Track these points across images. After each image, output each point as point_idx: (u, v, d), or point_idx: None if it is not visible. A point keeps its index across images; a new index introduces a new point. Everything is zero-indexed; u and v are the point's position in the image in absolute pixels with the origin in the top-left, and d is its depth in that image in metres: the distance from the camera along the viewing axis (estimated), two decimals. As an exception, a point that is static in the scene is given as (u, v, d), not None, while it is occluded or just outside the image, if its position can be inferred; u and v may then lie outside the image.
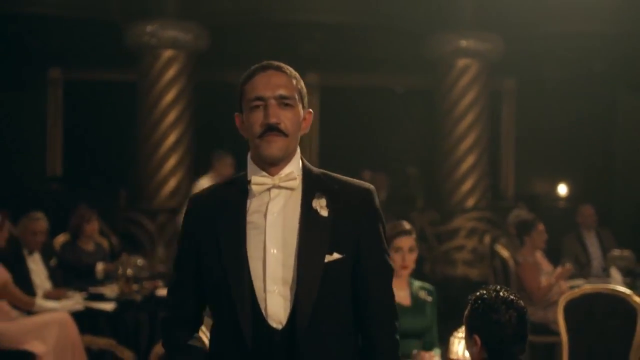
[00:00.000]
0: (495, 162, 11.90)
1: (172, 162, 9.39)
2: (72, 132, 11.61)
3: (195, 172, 9.27)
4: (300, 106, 2.55)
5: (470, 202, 9.69)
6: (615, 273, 7.15)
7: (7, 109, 11.39)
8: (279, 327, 2.46)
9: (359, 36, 10.46)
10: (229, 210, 2.54)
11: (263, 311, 2.46)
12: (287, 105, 2.50)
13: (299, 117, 2.55)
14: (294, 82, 2.55)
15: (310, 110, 2.61)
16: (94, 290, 6.50)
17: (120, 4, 9.65)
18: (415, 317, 4.25)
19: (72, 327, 5.91)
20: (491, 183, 10.96)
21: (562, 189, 11.97)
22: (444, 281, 9.10)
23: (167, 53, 9.28)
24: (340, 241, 2.49)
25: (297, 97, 2.54)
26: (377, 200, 2.57)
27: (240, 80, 2.52)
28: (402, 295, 4.22)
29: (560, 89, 11.79)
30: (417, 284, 4.39)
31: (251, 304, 2.46)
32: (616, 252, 7.51)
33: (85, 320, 6.03)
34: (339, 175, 2.59)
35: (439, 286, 5.18)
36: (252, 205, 2.52)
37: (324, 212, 2.49)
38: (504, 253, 7.28)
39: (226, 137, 9.08)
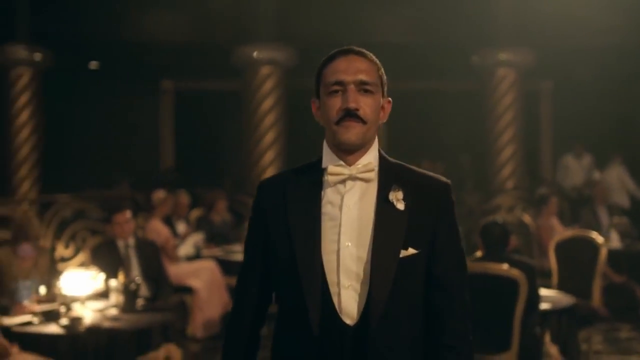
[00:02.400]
0: (535, 152, 14.36)
1: (269, 156, 12.01)
2: (182, 133, 14.32)
3: (287, 166, 11.88)
4: (380, 94, 2.47)
5: (509, 184, 12.17)
6: (614, 234, 9.60)
7: (128, 113, 14.08)
8: (351, 322, 2.39)
9: (420, 50, 12.92)
10: (302, 198, 2.46)
11: (336, 306, 2.40)
12: (367, 91, 2.42)
13: (379, 105, 2.46)
14: (375, 68, 2.47)
15: (390, 99, 2.53)
16: (228, 248, 9.24)
17: (227, 29, 12.27)
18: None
19: (217, 271, 8.60)
20: (532, 169, 13.40)
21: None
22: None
23: (265, 69, 11.93)
24: (415, 236, 2.41)
25: (378, 83, 2.45)
26: (453, 196, 2.50)
27: (319, 65, 2.47)
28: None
29: (592, 88, 14.11)
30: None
31: (323, 298, 2.39)
32: (616, 219, 9.97)
33: (225, 266, 8.70)
34: (415, 168, 2.52)
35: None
36: (327, 195, 2.45)
37: (401, 206, 2.41)
38: (527, 220, 9.83)
39: (315, 138, 11.68)
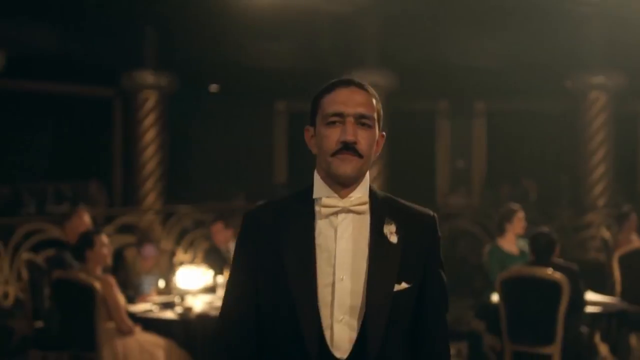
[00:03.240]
0: (633, 172, 14.91)
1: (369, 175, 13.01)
2: (294, 150, 15.46)
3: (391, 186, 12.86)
4: (377, 128, 2.44)
5: (601, 202, 12.81)
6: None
7: (244, 132, 15.29)
8: (342, 357, 2.36)
9: (516, 73, 13.67)
10: (294, 230, 2.41)
11: (328, 340, 2.36)
12: (364, 125, 2.39)
13: (375, 139, 2.44)
14: (374, 102, 2.45)
15: (384, 133, 2.50)
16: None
17: (333, 55, 13.32)
18: (521, 260, 7.58)
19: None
20: (630, 187, 13.98)
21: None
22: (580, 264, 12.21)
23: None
24: (408, 269, 2.41)
25: (375, 118, 2.43)
26: (438, 227, 2.51)
27: (317, 92, 2.46)
28: (513, 247, 7.62)
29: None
30: (521, 241, 7.72)
31: (317, 332, 2.35)
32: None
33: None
34: (401, 200, 2.51)
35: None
36: (319, 227, 2.41)
37: (394, 239, 2.40)
38: (607, 235, 10.52)
39: (417, 153, 12.50)
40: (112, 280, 6.06)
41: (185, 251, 10.63)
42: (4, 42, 10.72)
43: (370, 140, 2.40)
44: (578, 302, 6.21)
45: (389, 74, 13.00)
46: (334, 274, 2.36)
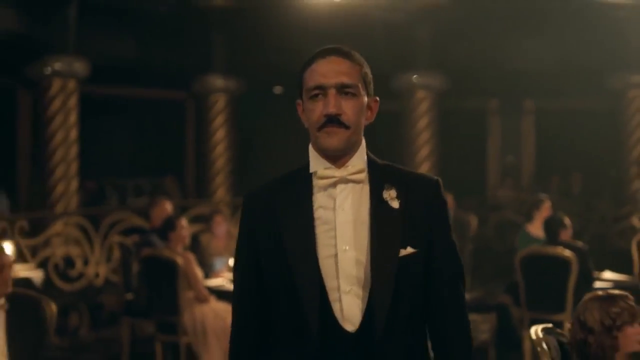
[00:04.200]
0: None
1: (425, 167, 14.12)
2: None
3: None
4: (364, 95, 2.40)
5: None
6: None
7: (305, 132, 16.43)
8: (352, 329, 2.33)
9: (561, 73, 14.60)
10: (292, 205, 2.40)
11: (337, 313, 2.33)
12: (348, 94, 2.35)
13: (363, 106, 2.39)
14: (358, 68, 2.40)
15: (377, 98, 2.46)
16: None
17: (386, 59, 14.39)
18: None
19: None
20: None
21: None
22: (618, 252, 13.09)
23: (420, 94, 14.04)
24: (412, 234, 2.37)
25: (360, 85, 2.38)
26: (443, 192, 2.47)
27: (301, 67, 2.44)
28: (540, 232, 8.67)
29: None
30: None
31: (322, 305, 2.32)
32: None
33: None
34: (403, 167, 2.50)
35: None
36: (318, 199, 2.40)
37: (395, 204, 2.37)
38: (637, 223, 11.50)
39: (469, 149, 13.57)
40: (191, 256, 7.34)
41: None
42: (89, 51, 12.02)
43: (357, 108, 2.38)
44: (587, 277, 7.29)
45: (441, 76, 14.05)
46: (335, 245, 2.34)
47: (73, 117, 11.83)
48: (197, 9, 13.29)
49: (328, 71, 2.38)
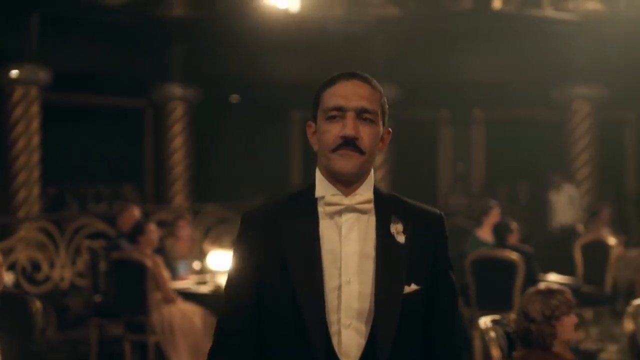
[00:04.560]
0: (622, 173, 16.55)
1: (378, 176, 14.62)
2: (308, 155, 17.10)
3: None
4: (381, 123, 2.37)
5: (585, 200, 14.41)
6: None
7: (262, 139, 16.92)
8: None
9: (509, 85, 15.17)
10: (298, 231, 2.32)
11: (335, 347, 2.27)
12: (367, 120, 2.32)
13: (378, 135, 2.36)
14: (378, 96, 2.38)
15: (390, 129, 2.43)
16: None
17: (346, 69, 14.88)
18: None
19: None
20: (617, 186, 15.66)
21: None
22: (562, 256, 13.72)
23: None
24: (416, 271, 2.33)
25: (379, 112, 2.36)
26: (446, 227, 2.45)
27: (319, 87, 2.41)
28: (489, 237, 9.22)
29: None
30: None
31: (324, 339, 2.26)
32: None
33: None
34: (407, 199, 2.45)
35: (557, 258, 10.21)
36: (323, 227, 2.33)
37: (401, 239, 2.33)
38: (580, 229, 12.11)
39: (421, 158, 14.10)
40: (159, 259, 7.73)
41: (212, 243, 12.27)
42: (51, 59, 12.32)
43: (373, 136, 2.34)
44: (533, 278, 7.82)
45: (395, 87, 14.56)
46: (340, 276, 2.28)
47: (35, 124, 12.14)
48: (157, 18, 13.64)
49: (350, 94, 2.34)
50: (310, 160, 16.92)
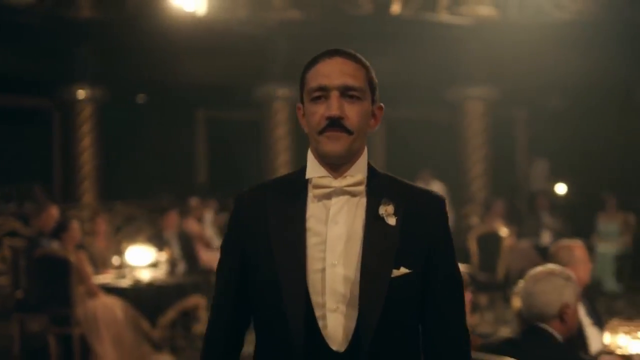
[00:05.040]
0: (512, 168, 17.55)
1: (283, 171, 15.23)
2: (213, 154, 17.56)
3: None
4: (369, 100, 2.29)
5: (480, 195, 15.27)
6: (545, 233, 12.70)
7: (169, 138, 17.26)
8: (339, 349, 2.24)
9: (402, 87, 15.94)
10: (284, 212, 2.29)
11: (322, 331, 2.24)
12: (353, 97, 2.24)
13: (367, 112, 2.28)
14: (364, 71, 2.30)
15: (382, 105, 2.34)
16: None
17: (243, 70, 15.30)
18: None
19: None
20: (508, 180, 16.66)
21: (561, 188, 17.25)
22: (459, 246, 14.56)
23: (278, 104, 15.14)
24: (408, 254, 2.25)
25: (366, 89, 2.28)
26: (447, 210, 2.36)
27: (303, 68, 2.36)
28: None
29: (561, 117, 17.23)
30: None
31: (307, 322, 2.23)
32: (547, 220, 13.08)
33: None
34: (406, 181, 2.36)
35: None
36: (311, 209, 2.29)
37: (392, 221, 2.24)
38: (474, 221, 12.95)
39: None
40: (82, 254, 8.16)
41: (123, 240, 12.65)
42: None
43: (361, 113, 2.27)
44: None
45: (295, 87, 15.12)
46: (324, 259, 2.24)
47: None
48: (65, 19, 13.89)
49: (332, 72, 2.28)
50: (214, 157, 17.39)
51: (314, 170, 2.33)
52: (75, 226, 8.25)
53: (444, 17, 14.74)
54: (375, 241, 2.25)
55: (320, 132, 2.28)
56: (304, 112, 2.37)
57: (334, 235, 2.27)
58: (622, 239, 13.23)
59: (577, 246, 5.16)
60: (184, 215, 11.84)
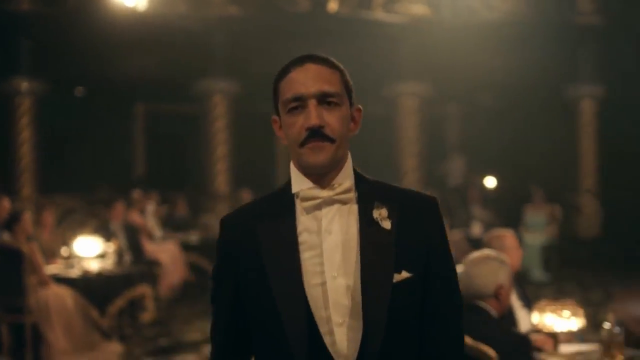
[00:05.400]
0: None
1: (221, 166, 15.57)
2: (152, 147, 17.81)
3: (236, 175, 15.56)
4: (347, 104, 2.22)
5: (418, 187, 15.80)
6: (475, 224, 13.29)
7: (108, 131, 17.43)
8: None
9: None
10: (274, 230, 2.21)
11: (329, 347, 2.15)
12: (331, 104, 2.17)
13: (347, 116, 2.21)
14: (338, 75, 2.23)
15: (360, 107, 2.28)
16: (186, 233, 12.86)
17: (183, 64, 15.64)
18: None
19: (178, 250, 12.13)
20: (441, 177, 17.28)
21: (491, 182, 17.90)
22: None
23: (217, 98, 15.48)
24: (407, 258, 2.18)
25: (343, 93, 2.21)
26: (441, 212, 2.29)
27: (275, 78, 2.25)
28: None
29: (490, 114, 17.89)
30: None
31: (311, 339, 2.14)
32: (477, 211, 13.68)
33: (183, 246, 12.29)
34: (396, 185, 2.31)
35: None
36: (302, 222, 2.21)
37: (387, 224, 2.18)
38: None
39: (262, 149, 15.10)
40: (34, 245, 8.43)
41: (64, 231, 12.88)
42: None
43: (341, 119, 2.20)
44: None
45: (236, 82, 15.55)
46: (323, 272, 2.17)
47: None
48: (4, 11, 14.02)
49: (306, 79, 2.19)
50: (152, 150, 17.64)
51: (299, 183, 2.27)
52: (27, 218, 8.50)
53: (380, 15, 15.25)
54: (373, 247, 2.19)
55: (302, 144, 2.20)
56: (281, 125, 2.27)
57: (330, 245, 2.20)
58: (548, 230, 13.92)
59: (507, 235, 5.66)
60: (127, 207, 12.13)
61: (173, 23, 14.73)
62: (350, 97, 2.26)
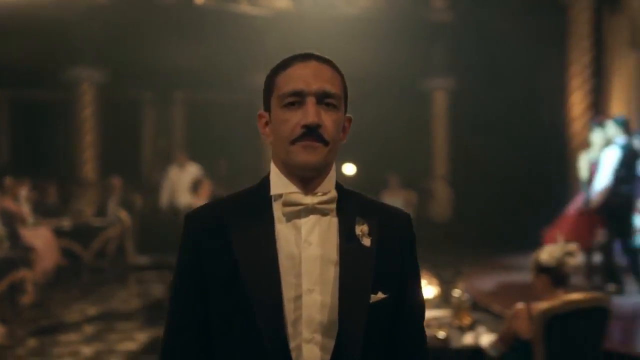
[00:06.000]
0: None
1: (89, 154, 15.97)
2: (18, 131, 17.95)
3: (103, 162, 15.97)
4: (343, 110, 2.15)
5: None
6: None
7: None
8: None
9: (205, 72, 17.03)
10: (250, 233, 2.09)
11: None
12: (329, 105, 2.09)
13: (341, 123, 2.14)
14: (340, 78, 2.15)
15: (350, 116, 2.19)
16: (57, 220, 13.29)
17: (54, 51, 15.91)
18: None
19: (51, 235, 12.56)
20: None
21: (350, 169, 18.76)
22: None
23: (85, 86, 15.87)
24: (384, 278, 2.13)
25: (342, 97, 2.13)
26: (414, 228, 2.26)
27: (270, 72, 2.16)
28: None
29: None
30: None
31: (278, 354, 2.05)
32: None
33: (55, 232, 12.74)
34: (371, 197, 2.24)
35: None
36: (280, 229, 2.10)
37: (367, 242, 2.12)
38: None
39: (127, 135, 15.57)
40: None
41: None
42: None
43: (337, 123, 2.13)
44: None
45: (103, 70, 15.96)
46: (299, 285, 2.08)
47: None
48: None
49: (308, 76, 2.10)
50: (20, 140, 17.79)
51: (280, 185, 2.15)
52: None
53: (245, 8, 15.94)
54: (352, 264, 2.12)
55: (294, 141, 2.09)
56: (270, 120, 2.17)
57: (309, 257, 2.10)
58: (404, 214, 14.87)
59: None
60: (0, 194, 12.48)
61: (41, 10, 14.96)
62: (346, 105, 2.19)
